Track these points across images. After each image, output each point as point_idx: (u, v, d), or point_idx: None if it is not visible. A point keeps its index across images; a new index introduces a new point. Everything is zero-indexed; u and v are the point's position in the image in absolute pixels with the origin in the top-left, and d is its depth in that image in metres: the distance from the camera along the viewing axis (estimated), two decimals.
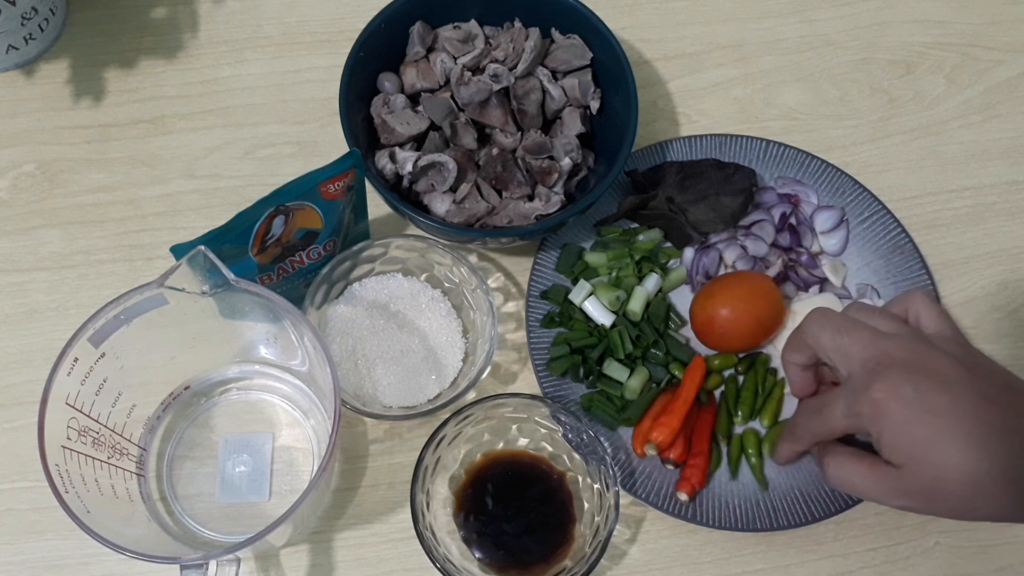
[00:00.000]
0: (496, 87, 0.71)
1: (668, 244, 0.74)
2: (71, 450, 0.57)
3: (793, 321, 0.72)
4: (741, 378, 0.72)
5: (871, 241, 0.75)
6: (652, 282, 0.71)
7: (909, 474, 0.50)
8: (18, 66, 0.79)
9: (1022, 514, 0.48)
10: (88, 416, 0.59)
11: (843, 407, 0.52)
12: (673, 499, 0.67)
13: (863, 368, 0.52)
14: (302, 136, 0.79)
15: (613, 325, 0.70)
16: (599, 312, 0.70)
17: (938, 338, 0.53)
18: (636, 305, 0.70)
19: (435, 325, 0.70)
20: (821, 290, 0.73)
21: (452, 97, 0.73)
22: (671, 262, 0.74)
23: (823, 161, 0.76)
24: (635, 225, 0.75)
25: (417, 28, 0.73)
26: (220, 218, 0.60)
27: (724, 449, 0.70)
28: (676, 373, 0.70)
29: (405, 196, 0.71)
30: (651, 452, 0.67)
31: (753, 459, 0.69)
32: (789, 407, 0.71)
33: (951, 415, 0.48)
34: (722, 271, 0.74)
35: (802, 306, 0.72)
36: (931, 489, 0.49)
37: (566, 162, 0.71)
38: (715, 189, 0.74)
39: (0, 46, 0.76)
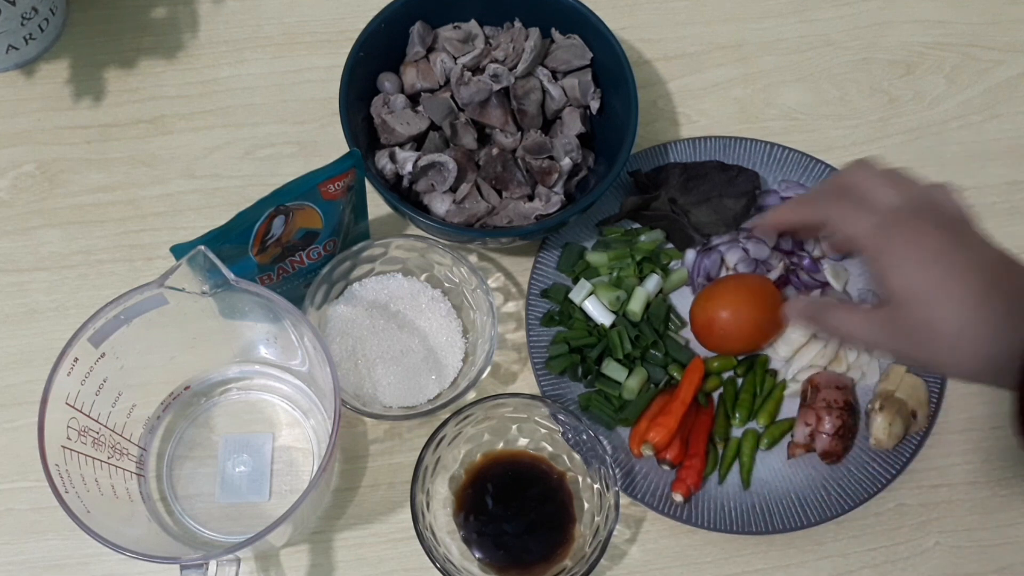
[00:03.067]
0: (496, 87, 0.71)
1: (670, 245, 0.74)
2: (71, 450, 0.57)
3: (792, 326, 0.71)
4: (740, 380, 0.72)
5: None
6: (653, 283, 0.71)
7: (904, 312, 0.52)
8: (18, 66, 0.79)
9: (994, 378, 0.50)
10: (88, 416, 0.59)
11: (872, 222, 0.54)
12: (669, 500, 0.67)
13: (900, 206, 0.54)
14: (302, 136, 0.79)
15: (613, 325, 0.70)
16: (599, 312, 0.70)
17: (962, 213, 0.55)
18: (636, 305, 0.70)
19: (435, 325, 0.70)
20: (822, 294, 0.73)
21: (452, 97, 0.73)
22: (672, 263, 0.74)
23: (826, 164, 0.76)
24: (637, 225, 0.75)
25: (417, 28, 0.73)
26: (220, 218, 0.60)
27: (721, 451, 0.70)
28: (675, 374, 0.70)
29: (405, 196, 0.71)
30: (648, 453, 0.67)
31: (745, 458, 0.69)
32: (788, 409, 0.71)
33: (961, 269, 0.50)
34: (723, 273, 0.74)
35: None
36: (920, 329, 0.51)
37: (566, 162, 0.71)
38: (718, 191, 0.74)
39: (0, 46, 0.76)
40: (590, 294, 0.71)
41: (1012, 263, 0.52)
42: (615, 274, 0.72)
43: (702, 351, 0.72)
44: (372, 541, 0.68)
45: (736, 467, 0.69)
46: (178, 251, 0.58)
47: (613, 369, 0.69)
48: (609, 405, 0.69)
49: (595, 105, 0.73)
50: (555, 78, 0.74)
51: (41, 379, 0.56)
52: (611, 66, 0.72)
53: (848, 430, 0.68)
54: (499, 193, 0.72)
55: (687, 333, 0.73)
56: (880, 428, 0.67)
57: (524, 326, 0.71)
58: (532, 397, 0.66)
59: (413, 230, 0.74)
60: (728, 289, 0.71)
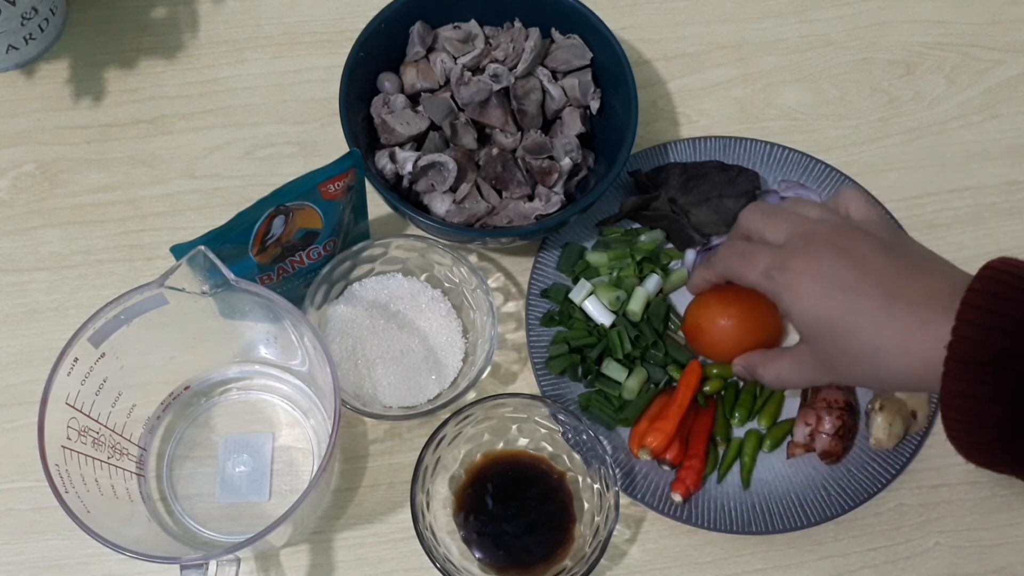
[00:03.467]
0: (496, 87, 0.71)
1: (670, 245, 0.74)
2: (71, 450, 0.57)
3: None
4: (741, 383, 0.72)
5: None
6: (653, 283, 0.71)
7: (819, 346, 0.52)
8: (18, 66, 0.79)
9: (922, 386, 0.49)
10: (88, 416, 0.59)
11: (765, 265, 0.54)
12: (669, 500, 0.67)
13: (788, 240, 0.54)
14: (302, 136, 0.79)
15: (612, 325, 0.70)
16: (599, 312, 0.70)
17: (865, 223, 0.55)
18: (636, 305, 0.70)
19: (435, 325, 0.70)
20: None
21: (452, 97, 0.73)
22: (672, 263, 0.74)
23: (826, 165, 0.76)
24: (637, 225, 0.75)
25: (417, 28, 0.73)
26: (220, 218, 0.60)
27: (722, 452, 0.70)
28: (674, 375, 0.70)
29: (405, 196, 0.71)
30: (645, 456, 0.68)
31: (747, 458, 0.69)
32: (788, 409, 0.71)
33: (861, 291, 0.50)
34: None
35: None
36: (838, 358, 0.52)
37: (566, 162, 0.71)
38: (718, 191, 0.74)
39: (0, 46, 0.76)
40: (590, 294, 0.71)
41: (921, 264, 0.51)
42: (615, 274, 0.72)
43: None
44: (372, 541, 0.68)
45: (736, 467, 0.69)
46: (178, 251, 0.58)
47: (613, 369, 0.69)
48: (609, 405, 0.69)
49: (595, 105, 0.73)
50: (555, 78, 0.74)
51: (41, 379, 0.56)
52: (611, 66, 0.72)
53: (848, 430, 0.68)
54: (499, 193, 0.72)
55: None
56: (880, 428, 0.67)
57: (524, 326, 0.71)
58: (532, 397, 0.66)
59: (413, 230, 0.74)
60: (725, 299, 0.66)
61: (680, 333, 0.72)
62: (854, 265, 0.51)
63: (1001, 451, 0.46)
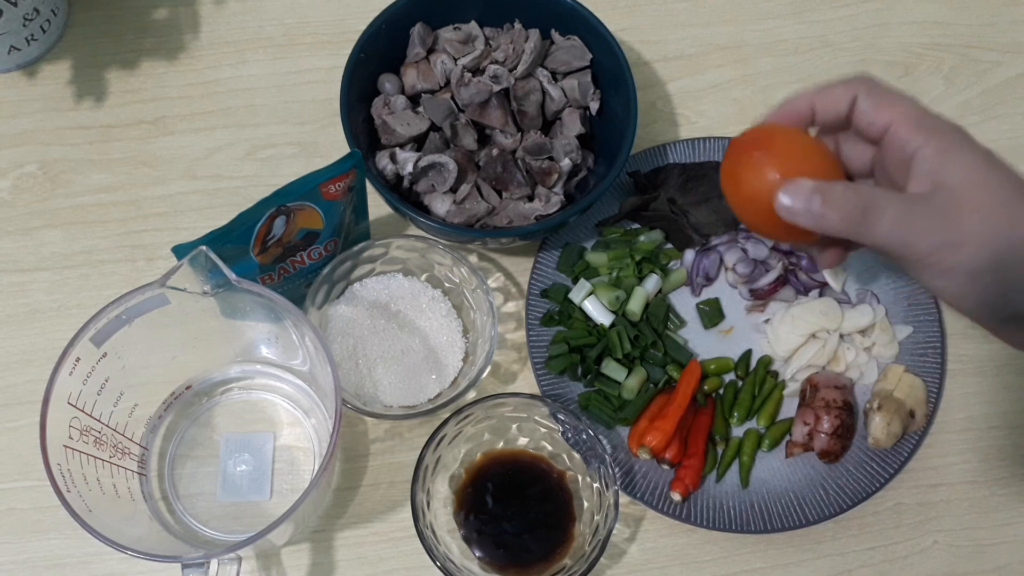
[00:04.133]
0: (496, 88, 0.72)
1: (669, 245, 0.75)
2: (73, 449, 0.57)
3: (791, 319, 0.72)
4: (740, 382, 0.72)
5: None
6: (652, 283, 0.72)
7: (946, 197, 0.46)
8: (20, 67, 0.80)
9: (988, 306, 0.47)
10: (90, 415, 0.60)
11: (918, 111, 0.48)
12: (668, 499, 0.67)
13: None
14: (303, 137, 0.79)
15: (612, 325, 0.71)
16: (598, 311, 0.71)
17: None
18: (635, 305, 0.71)
19: (435, 325, 0.71)
20: (821, 294, 0.73)
21: (452, 98, 0.73)
22: (671, 263, 0.74)
23: None
24: (636, 226, 0.75)
25: (417, 29, 0.73)
26: (221, 218, 0.60)
27: (721, 451, 0.70)
28: (674, 374, 0.70)
29: (405, 196, 0.71)
30: (645, 456, 0.68)
31: (745, 457, 0.69)
32: (787, 409, 0.71)
33: (1002, 176, 0.46)
34: (723, 273, 0.74)
35: (800, 311, 0.72)
36: (943, 213, 0.45)
37: (566, 163, 0.71)
38: (717, 191, 0.74)
39: (2, 47, 0.76)
40: (590, 294, 0.71)
41: None
42: (615, 274, 0.72)
43: (702, 351, 0.72)
44: (373, 540, 0.68)
45: (735, 466, 0.70)
46: (180, 251, 0.58)
47: (613, 369, 0.70)
48: (609, 405, 0.70)
49: (595, 106, 0.73)
50: (555, 79, 0.74)
51: (43, 379, 0.56)
52: (611, 67, 0.72)
53: (846, 430, 0.68)
54: (499, 193, 0.72)
55: (686, 332, 0.73)
56: (878, 427, 0.68)
57: (524, 326, 0.72)
58: (532, 397, 0.67)
59: (413, 230, 0.74)
60: (776, 147, 0.52)
61: (680, 332, 0.73)
62: (994, 158, 0.47)
63: None
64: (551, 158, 0.72)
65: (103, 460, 0.61)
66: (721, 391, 0.72)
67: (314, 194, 0.62)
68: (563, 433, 0.67)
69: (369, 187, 0.68)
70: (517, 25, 0.74)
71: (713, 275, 0.74)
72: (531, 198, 0.72)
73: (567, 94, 0.73)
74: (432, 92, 0.74)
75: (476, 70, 0.73)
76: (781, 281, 0.73)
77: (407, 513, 0.65)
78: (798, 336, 0.71)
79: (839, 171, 0.51)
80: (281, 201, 0.60)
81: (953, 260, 0.46)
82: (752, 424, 0.71)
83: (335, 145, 0.77)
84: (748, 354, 0.72)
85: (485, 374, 0.67)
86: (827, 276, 0.74)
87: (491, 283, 0.75)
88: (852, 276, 0.74)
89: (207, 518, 0.68)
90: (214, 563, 0.56)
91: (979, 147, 0.48)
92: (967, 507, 0.70)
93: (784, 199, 0.48)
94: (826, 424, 0.68)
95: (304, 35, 0.82)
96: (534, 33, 0.73)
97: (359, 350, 0.69)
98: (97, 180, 0.77)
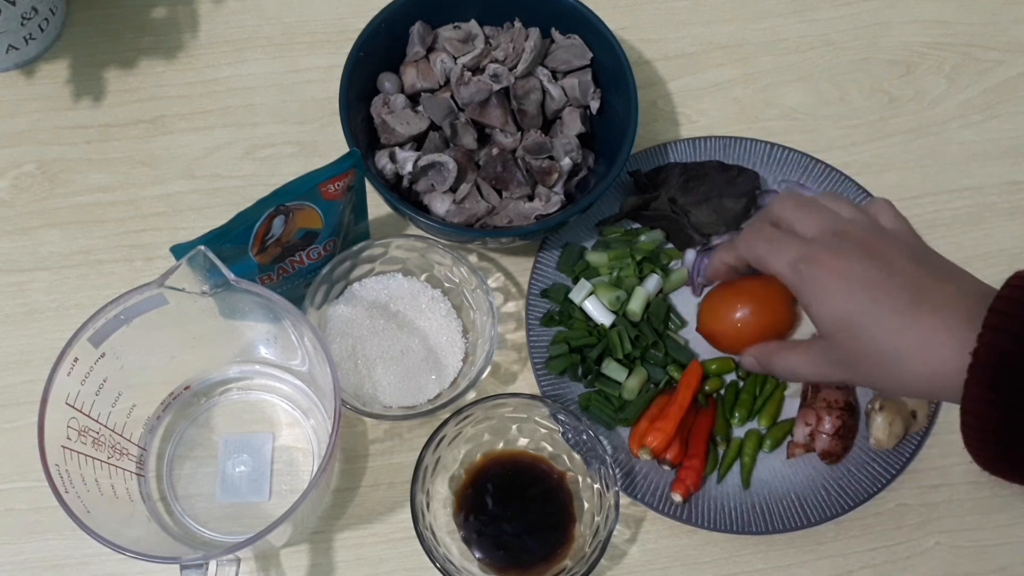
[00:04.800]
0: (496, 87, 0.71)
1: (670, 245, 0.74)
2: (71, 450, 0.57)
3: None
4: (741, 383, 0.72)
5: None
6: (653, 283, 0.71)
7: (835, 344, 0.52)
8: (18, 66, 0.79)
9: (940, 393, 0.49)
10: (88, 416, 0.59)
11: (792, 256, 0.53)
12: (669, 500, 0.67)
13: (819, 236, 0.53)
14: (302, 136, 0.79)
15: (612, 325, 0.70)
16: (599, 312, 0.70)
17: (895, 232, 0.55)
18: (636, 305, 0.70)
19: (435, 325, 0.70)
20: None
21: (452, 97, 0.73)
22: (672, 263, 0.74)
23: (827, 165, 0.76)
24: (637, 225, 0.75)
25: (417, 28, 0.73)
26: (220, 218, 0.60)
27: (722, 452, 0.70)
28: (674, 375, 0.70)
29: (405, 196, 0.71)
30: (645, 456, 0.68)
31: (746, 458, 0.69)
32: (788, 410, 0.71)
33: (886, 290, 0.50)
34: None
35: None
36: (856, 358, 0.51)
37: (566, 162, 0.71)
38: (718, 191, 0.74)
39: (0, 46, 0.76)
40: (590, 294, 0.71)
41: (947, 272, 0.51)
42: (615, 274, 0.72)
43: (702, 351, 0.72)
44: (372, 541, 0.68)
45: (736, 467, 0.70)
46: (178, 251, 0.58)
47: (613, 369, 0.69)
48: (609, 405, 0.69)
49: (595, 105, 0.73)
50: (555, 78, 0.74)
51: (41, 379, 0.56)
52: (611, 66, 0.72)
53: (848, 430, 0.68)
54: (499, 193, 0.72)
55: (687, 333, 0.73)
56: (880, 428, 0.67)
57: (524, 326, 0.71)
58: (532, 397, 0.66)
59: (413, 230, 0.74)
60: (743, 290, 0.69)
61: (680, 333, 0.72)
62: (882, 267, 0.51)
63: (1015, 459, 0.45)
64: (551, 157, 0.72)
65: (101, 461, 0.61)
66: (722, 391, 0.71)
67: (313, 194, 0.61)
68: (563, 434, 0.67)
69: (368, 187, 0.68)
70: (517, 24, 0.74)
71: None
72: (531, 198, 0.71)
73: (567, 93, 0.73)
74: (432, 91, 0.74)
75: (476, 69, 0.73)
76: None
77: (407, 514, 0.65)
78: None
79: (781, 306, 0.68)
80: (280, 201, 0.60)
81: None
82: (753, 425, 0.71)
83: (334, 144, 0.77)
84: None
85: (485, 374, 0.67)
86: None
87: (491, 283, 0.75)
88: None
89: (206, 519, 0.68)
90: (213, 564, 0.56)
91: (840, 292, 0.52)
92: (969, 508, 0.70)
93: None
94: (828, 425, 0.68)
95: (303, 34, 0.82)
96: (534, 32, 0.73)
97: (358, 350, 0.69)
98: (95, 180, 0.77)
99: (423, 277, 0.72)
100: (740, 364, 0.63)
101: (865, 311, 0.50)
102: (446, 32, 0.74)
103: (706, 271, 0.64)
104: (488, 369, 0.67)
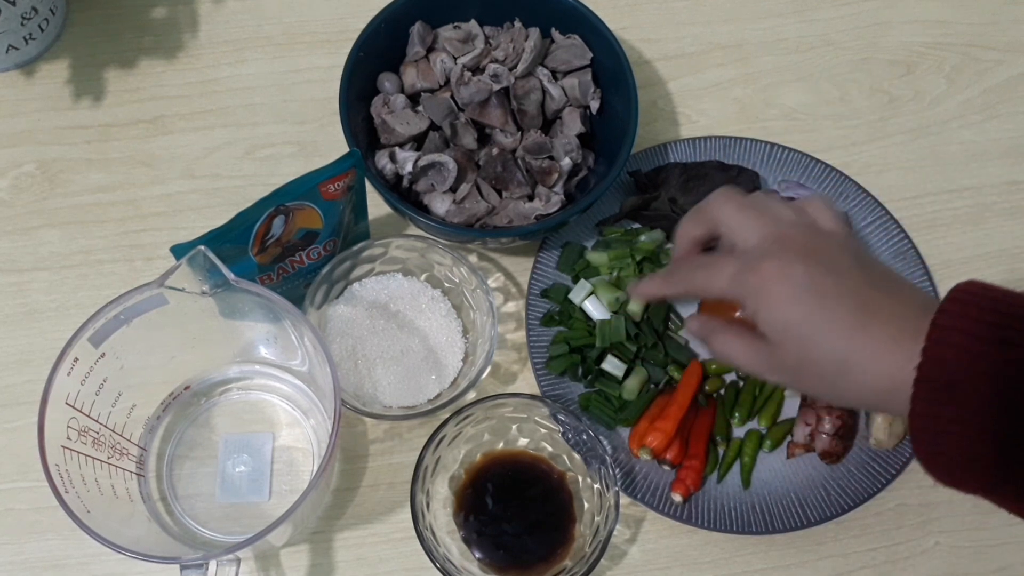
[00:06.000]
0: (496, 87, 0.71)
1: (670, 245, 0.74)
2: (71, 450, 0.57)
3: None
4: (741, 383, 0.72)
5: (873, 246, 0.74)
6: None
7: (782, 350, 0.50)
8: (18, 66, 0.79)
9: (887, 405, 0.48)
10: (88, 416, 0.59)
11: (732, 271, 0.52)
12: (669, 500, 0.67)
13: (760, 243, 0.52)
14: (302, 136, 0.79)
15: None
16: (599, 312, 0.70)
17: (833, 234, 0.53)
18: (636, 306, 0.70)
19: (435, 325, 0.70)
20: None
21: (452, 97, 0.73)
22: None
23: (827, 165, 0.76)
24: (637, 225, 0.75)
25: (417, 28, 0.73)
26: (220, 218, 0.60)
27: (722, 451, 0.70)
28: (674, 375, 0.70)
29: (405, 196, 0.71)
30: (645, 456, 0.68)
31: (747, 458, 0.69)
32: (788, 409, 0.71)
33: (834, 298, 0.49)
34: None
35: None
36: (797, 367, 0.50)
37: (566, 162, 0.71)
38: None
39: (0, 46, 0.76)
40: (590, 294, 0.71)
41: (890, 280, 0.50)
42: (615, 274, 0.72)
43: (703, 352, 0.72)
44: (372, 541, 0.68)
45: (736, 467, 0.69)
46: (178, 251, 0.58)
47: (611, 364, 0.69)
48: (609, 405, 0.69)
49: (595, 105, 0.73)
50: (555, 78, 0.74)
51: (41, 379, 0.56)
52: (611, 66, 0.72)
53: (848, 430, 0.68)
54: (499, 193, 0.72)
55: (687, 333, 0.73)
56: (880, 428, 0.67)
57: (524, 326, 0.71)
58: (532, 397, 0.66)
59: (413, 230, 0.74)
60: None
61: (680, 333, 0.72)
62: (828, 272, 0.50)
63: (966, 471, 0.45)
64: (551, 157, 0.72)
65: (101, 461, 0.61)
66: (722, 391, 0.71)
67: (313, 194, 0.61)
68: (563, 434, 0.67)
69: (368, 187, 0.68)
70: (517, 24, 0.74)
71: None
72: (531, 197, 0.71)
73: (567, 93, 0.73)
74: (432, 91, 0.74)
75: (476, 69, 0.73)
76: None
77: (407, 514, 0.65)
78: None
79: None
80: (280, 201, 0.60)
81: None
82: (753, 425, 0.71)
83: (334, 144, 0.77)
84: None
85: (485, 374, 0.67)
86: None
87: (491, 283, 0.74)
88: None
89: (206, 519, 0.67)
90: (213, 564, 0.56)
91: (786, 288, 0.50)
92: (969, 508, 0.70)
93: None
94: (828, 425, 0.68)
95: (303, 34, 0.82)
96: (534, 32, 0.73)
97: (358, 350, 0.69)
98: (95, 180, 0.77)
99: (423, 277, 0.72)
100: (684, 324, 0.60)
101: (812, 318, 0.49)
102: (446, 32, 0.74)
103: (637, 287, 0.60)
104: (488, 369, 0.67)
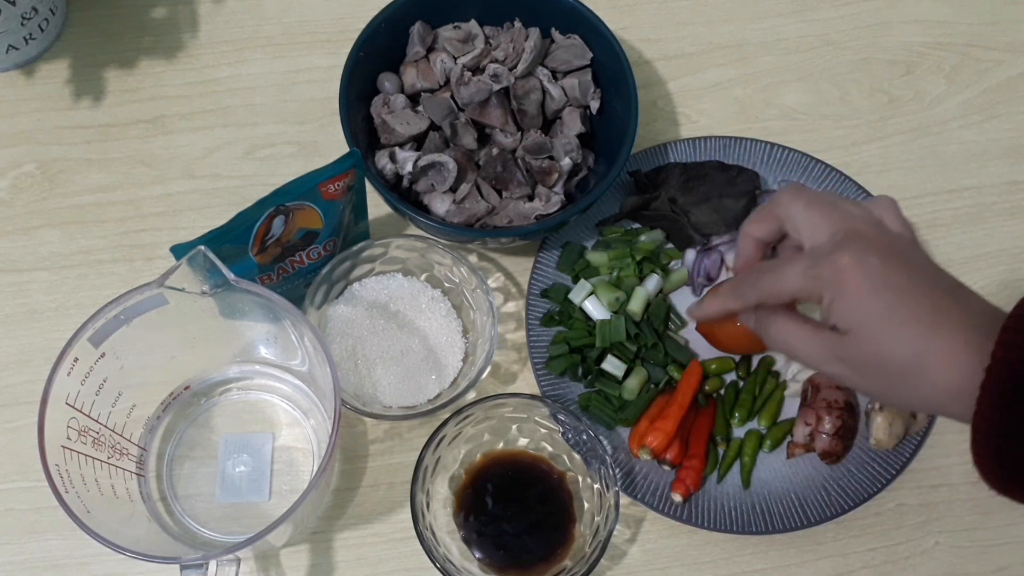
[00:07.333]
0: (496, 87, 0.71)
1: (670, 245, 0.74)
2: (71, 450, 0.57)
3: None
4: (741, 382, 0.72)
5: None
6: (653, 283, 0.71)
7: (852, 342, 0.49)
8: (18, 66, 0.79)
9: (955, 409, 0.47)
10: (88, 416, 0.59)
11: (804, 266, 0.51)
12: (669, 500, 0.67)
13: (831, 238, 0.51)
14: (302, 136, 0.79)
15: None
16: (599, 312, 0.70)
17: (901, 236, 0.53)
18: (636, 305, 0.70)
19: (435, 325, 0.70)
20: None
21: (452, 97, 0.73)
22: (672, 263, 0.74)
23: (827, 165, 0.76)
24: (637, 225, 0.75)
25: (417, 28, 0.73)
26: (220, 218, 0.60)
27: (722, 451, 0.70)
28: (674, 375, 0.70)
29: (405, 196, 0.71)
30: (645, 456, 0.68)
31: (747, 458, 0.69)
32: (788, 410, 0.71)
33: (910, 295, 0.48)
34: (724, 274, 0.74)
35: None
36: (868, 361, 0.49)
37: (566, 162, 0.71)
38: (718, 191, 0.74)
39: (0, 46, 0.76)
40: (590, 294, 0.71)
41: (958, 285, 0.50)
42: (615, 274, 0.72)
43: (702, 351, 0.72)
44: (372, 541, 0.68)
45: (736, 467, 0.69)
46: (178, 251, 0.58)
47: (611, 364, 0.69)
48: (609, 405, 0.69)
49: (595, 105, 0.73)
50: (555, 78, 0.74)
51: (41, 379, 0.56)
52: (611, 66, 0.72)
53: (848, 430, 0.68)
54: (499, 193, 0.72)
55: (687, 333, 0.73)
56: (880, 428, 0.67)
57: (524, 326, 0.71)
58: (532, 397, 0.66)
59: (413, 230, 0.74)
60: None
61: (681, 333, 0.72)
62: (902, 269, 0.48)
63: None
64: (551, 157, 0.72)
65: (101, 461, 0.61)
66: (722, 391, 0.71)
67: (313, 193, 0.61)
68: (563, 434, 0.67)
69: (368, 187, 0.68)
70: (517, 24, 0.74)
71: (714, 275, 0.74)
72: (531, 197, 0.71)
73: (567, 93, 0.73)
74: (432, 91, 0.74)
75: (476, 69, 0.73)
76: None
77: (407, 514, 0.65)
78: None
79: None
80: (280, 200, 0.60)
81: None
82: (753, 425, 0.71)
83: (334, 144, 0.77)
84: (749, 354, 0.72)
85: (485, 374, 0.67)
86: None
87: (491, 283, 0.75)
88: None
89: (206, 519, 0.68)
90: (213, 564, 0.56)
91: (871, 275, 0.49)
92: (969, 508, 0.70)
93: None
94: (828, 425, 0.68)
95: (303, 34, 0.82)
96: (534, 32, 0.73)
97: (358, 350, 0.69)
98: (95, 180, 0.77)
99: (423, 277, 0.72)
100: (702, 302, 0.57)
101: (890, 313, 0.48)
102: (446, 32, 0.74)
103: (700, 308, 0.59)
104: (488, 369, 0.67)
